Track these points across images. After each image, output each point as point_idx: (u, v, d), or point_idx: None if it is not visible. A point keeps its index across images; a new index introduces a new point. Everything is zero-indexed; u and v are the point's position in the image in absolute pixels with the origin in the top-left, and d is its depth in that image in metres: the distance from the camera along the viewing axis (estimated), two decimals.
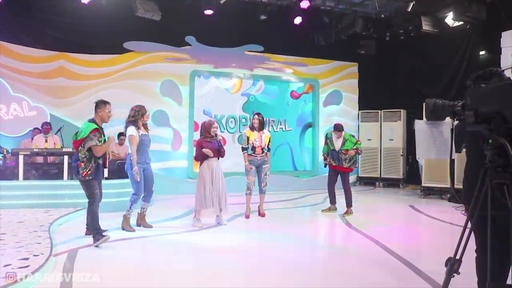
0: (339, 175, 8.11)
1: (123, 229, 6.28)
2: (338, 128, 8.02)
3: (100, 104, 5.52)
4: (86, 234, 5.75)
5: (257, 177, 7.54)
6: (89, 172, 5.34)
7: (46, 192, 7.72)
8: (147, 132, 6.44)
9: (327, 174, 8.25)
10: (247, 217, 7.55)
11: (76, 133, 5.46)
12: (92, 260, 4.84)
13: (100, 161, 5.46)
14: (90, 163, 5.34)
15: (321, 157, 8.27)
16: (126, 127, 6.30)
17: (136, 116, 6.25)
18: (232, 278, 4.46)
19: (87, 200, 5.51)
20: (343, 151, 7.89)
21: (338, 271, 4.84)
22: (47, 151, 8.53)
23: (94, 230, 5.42)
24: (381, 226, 7.26)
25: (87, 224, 5.73)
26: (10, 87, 9.90)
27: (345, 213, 7.92)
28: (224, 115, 11.91)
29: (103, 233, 5.47)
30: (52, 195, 7.66)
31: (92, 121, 5.45)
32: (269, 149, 7.64)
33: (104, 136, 5.54)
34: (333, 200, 8.19)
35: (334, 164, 8.03)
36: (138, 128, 6.24)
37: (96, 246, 5.32)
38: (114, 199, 7.69)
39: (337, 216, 7.81)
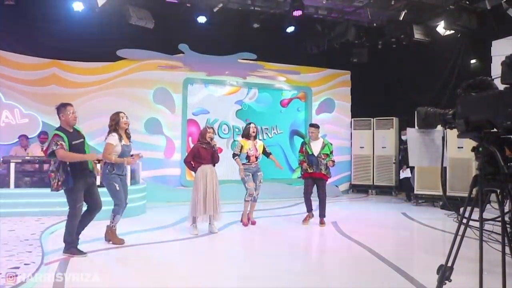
0: (315, 184, 7.70)
1: (109, 241, 5.95)
2: (314, 125, 7.90)
3: (60, 109, 5.17)
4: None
5: None
6: (59, 183, 5.04)
7: (37, 200, 7.64)
8: (129, 142, 6.06)
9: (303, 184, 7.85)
10: (245, 224, 7.46)
11: None
12: (84, 269, 4.79)
13: (74, 167, 5.09)
14: (58, 172, 5.04)
15: (304, 166, 7.70)
16: (107, 135, 5.91)
17: (112, 126, 5.89)
18: (225, 285, 4.45)
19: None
20: (322, 155, 7.58)
21: (330, 278, 4.84)
22: (38, 159, 8.48)
23: (70, 243, 5.21)
24: (374, 233, 7.27)
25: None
26: (2, 95, 9.86)
27: (321, 223, 7.67)
28: (217, 119, 11.91)
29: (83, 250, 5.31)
30: (44, 203, 7.56)
31: (58, 128, 5.15)
32: (269, 154, 7.65)
33: (82, 135, 5.31)
34: (310, 208, 7.83)
35: (310, 171, 7.62)
36: (121, 137, 5.89)
37: (66, 254, 5.17)
38: (108, 207, 7.62)
39: (329, 224, 7.80)
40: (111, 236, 5.98)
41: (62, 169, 5.05)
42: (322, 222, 7.70)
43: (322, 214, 7.73)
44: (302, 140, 8.10)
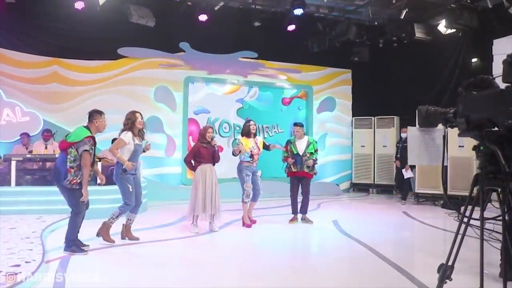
0: (300, 183, 7.72)
1: (98, 235, 5.79)
2: (299, 124, 7.88)
3: (96, 114, 5.35)
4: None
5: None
6: (78, 181, 5.12)
7: (38, 198, 7.64)
8: (141, 141, 6.08)
9: (289, 183, 7.83)
10: (249, 226, 7.35)
11: (67, 135, 5.35)
12: (85, 267, 4.80)
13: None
14: (80, 171, 5.12)
15: (289, 160, 7.67)
16: (120, 133, 5.98)
17: (127, 125, 5.95)
18: (226, 284, 4.46)
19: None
20: (307, 153, 7.56)
21: (330, 277, 4.84)
22: (39, 157, 8.48)
23: (71, 241, 5.24)
24: (374, 232, 7.26)
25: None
26: (3, 93, 9.86)
27: (306, 220, 7.70)
28: (218, 118, 11.90)
29: (83, 247, 5.31)
30: (45, 201, 7.56)
31: (87, 128, 5.29)
32: (269, 145, 7.61)
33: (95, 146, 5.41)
34: (296, 210, 7.79)
35: (294, 170, 7.62)
36: (134, 135, 5.92)
37: (67, 252, 5.19)
38: (108, 205, 7.65)
39: (330, 222, 7.81)
40: (104, 231, 5.86)
41: (82, 170, 5.15)
42: (304, 219, 7.73)
43: (304, 211, 7.75)
44: (288, 138, 8.07)
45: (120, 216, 5.96)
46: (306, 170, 7.60)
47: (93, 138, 5.25)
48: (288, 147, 7.75)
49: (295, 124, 7.93)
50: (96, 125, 5.34)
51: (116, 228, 6.03)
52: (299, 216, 7.82)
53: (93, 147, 5.21)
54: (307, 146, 7.63)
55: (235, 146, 7.38)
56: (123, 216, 6.01)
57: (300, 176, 7.67)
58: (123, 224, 6.13)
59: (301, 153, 7.59)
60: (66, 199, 5.27)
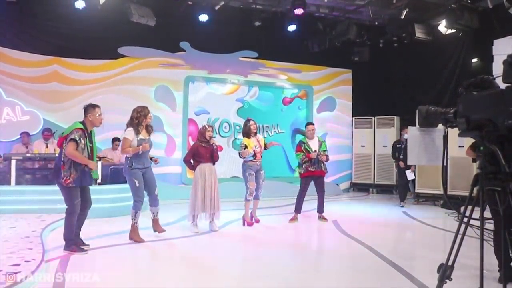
0: (314, 183, 7.83)
1: (131, 239, 5.96)
2: (312, 123, 8.07)
3: (89, 109, 5.32)
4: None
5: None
6: (70, 180, 5.09)
7: (38, 198, 7.64)
8: (149, 136, 6.05)
9: (300, 184, 7.89)
10: (250, 224, 7.41)
11: (63, 132, 5.38)
12: (85, 266, 4.81)
13: (86, 168, 5.20)
14: (72, 168, 5.09)
15: (313, 154, 7.67)
16: (126, 128, 5.95)
17: (139, 118, 5.91)
18: (227, 284, 4.46)
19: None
20: (321, 152, 7.68)
21: (330, 276, 4.84)
22: (39, 156, 8.48)
23: (70, 240, 5.23)
24: (374, 232, 7.27)
25: None
26: (3, 92, 9.86)
27: (323, 219, 7.87)
28: (218, 117, 11.89)
29: (83, 247, 5.31)
30: (44, 200, 7.56)
31: (81, 122, 5.27)
32: (265, 145, 7.60)
33: (93, 140, 5.40)
34: (299, 209, 7.83)
35: (312, 170, 7.67)
36: (138, 132, 5.90)
37: (67, 251, 5.18)
38: (108, 204, 7.67)
39: (330, 222, 7.81)
40: (132, 233, 6.00)
41: (74, 167, 5.12)
42: (324, 218, 7.86)
43: (322, 210, 7.89)
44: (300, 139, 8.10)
45: (138, 214, 5.99)
46: (323, 168, 7.73)
47: (83, 130, 5.19)
48: (302, 147, 7.80)
49: (311, 124, 8.06)
50: (90, 120, 5.31)
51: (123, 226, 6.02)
52: (316, 215, 7.99)
53: (82, 139, 5.14)
54: (320, 145, 7.77)
55: (241, 150, 7.38)
56: (139, 212, 6.01)
57: (316, 176, 7.76)
58: (152, 219, 6.25)
59: (316, 153, 7.69)
60: (63, 197, 5.26)
